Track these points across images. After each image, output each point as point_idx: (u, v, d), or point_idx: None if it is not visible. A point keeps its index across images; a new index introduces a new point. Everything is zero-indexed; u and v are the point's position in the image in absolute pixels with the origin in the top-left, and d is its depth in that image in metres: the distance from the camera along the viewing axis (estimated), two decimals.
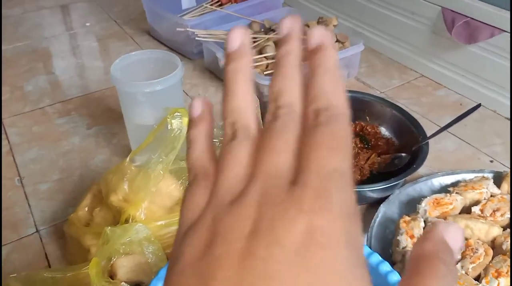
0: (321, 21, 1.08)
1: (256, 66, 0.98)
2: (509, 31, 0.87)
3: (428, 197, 0.68)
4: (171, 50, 1.14)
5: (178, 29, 1.06)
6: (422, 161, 0.72)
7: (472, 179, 0.72)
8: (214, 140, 0.24)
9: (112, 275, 0.56)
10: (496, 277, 0.56)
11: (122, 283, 0.52)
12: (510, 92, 0.91)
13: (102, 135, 0.92)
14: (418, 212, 0.66)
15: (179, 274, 0.18)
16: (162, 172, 0.60)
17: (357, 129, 0.88)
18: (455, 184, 0.73)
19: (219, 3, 1.23)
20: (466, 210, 0.68)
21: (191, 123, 0.24)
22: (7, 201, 0.76)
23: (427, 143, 0.75)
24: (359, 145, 0.85)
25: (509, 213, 0.65)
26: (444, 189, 0.72)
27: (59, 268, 0.63)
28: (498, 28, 0.88)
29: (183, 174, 0.65)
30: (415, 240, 0.61)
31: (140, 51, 0.79)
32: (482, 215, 0.65)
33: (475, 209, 0.66)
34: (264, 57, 1.01)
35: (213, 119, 0.24)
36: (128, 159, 0.63)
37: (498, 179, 0.72)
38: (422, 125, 0.80)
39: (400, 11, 1.09)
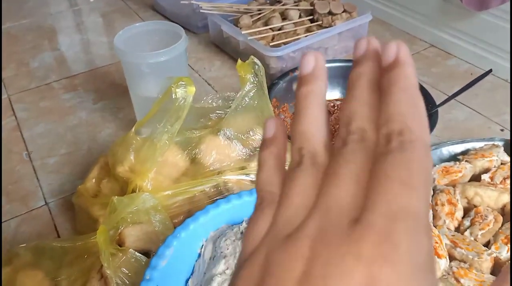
0: None
1: (261, 38, 0.97)
2: None
3: (437, 165, 0.67)
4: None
5: (182, 1, 1.04)
6: (431, 129, 0.70)
7: (482, 147, 0.71)
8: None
9: (120, 244, 0.56)
10: (506, 243, 0.56)
11: (130, 250, 0.52)
12: None
13: (109, 109, 0.91)
14: None
15: None
16: (167, 142, 0.59)
17: None
18: (464, 153, 0.72)
19: None
20: (476, 178, 0.67)
21: (263, 144, 0.23)
22: (16, 175, 0.77)
23: (436, 111, 0.74)
24: None
25: None
26: (454, 158, 0.71)
27: (67, 237, 0.64)
28: None
29: (188, 145, 0.65)
30: None
31: (144, 23, 0.78)
32: (492, 182, 0.64)
33: (485, 177, 0.65)
34: (270, 28, 0.99)
35: (286, 141, 0.23)
36: (133, 129, 0.63)
37: (508, 147, 0.71)
38: (431, 94, 0.78)
39: None
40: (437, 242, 0.54)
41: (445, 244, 0.56)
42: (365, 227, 0.16)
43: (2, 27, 1.23)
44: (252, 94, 0.65)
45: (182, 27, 0.76)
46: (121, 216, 0.54)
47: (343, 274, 0.15)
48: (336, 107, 0.85)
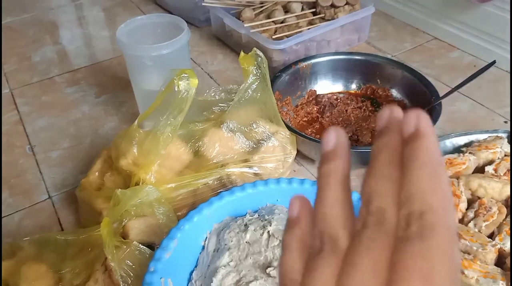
0: None
1: (264, 31, 0.96)
2: None
3: None
4: None
5: None
6: (434, 121, 0.70)
7: (486, 138, 0.71)
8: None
9: (124, 237, 0.56)
10: (510, 235, 0.56)
11: (134, 242, 0.52)
12: None
13: (111, 103, 0.91)
14: None
15: None
16: (170, 135, 0.59)
17: (368, 92, 0.87)
18: (468, 145, 0.71)
19: None
20: (480, 170, 0.67)
21: (287, 224, 0.22)
22: (19, 168, 0.77)
23: (440, 103, 0.74)
24: (370, 108, 0.84)
25: None
26: (457, 150, 0.71)
27: (72, 230, 0.64)
28: None
29: (192, 137, 0.65)
30: None
31: (146, 16, 0.78)
32: (496, 174, 0.64)
33: (489, 168, 0.65)
34: (273, 21, 0.99)
35: (309, 221, 0.22)
36: (136, 122, 0.63)
37: (510, 139, 0.70)
38: (434, 86, 0.78)
39: None
40: None
41: None
42: None
43: (3, 21, 1.23)
44: (255, 86, 0.65)
45: (184, 20, 0.76)
46: (124, 208, 0.54)
47: None
48: (339, 100, 0.85)
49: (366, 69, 0.86)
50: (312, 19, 1.00)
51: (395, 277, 0.16)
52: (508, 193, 0.62)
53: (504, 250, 0.55)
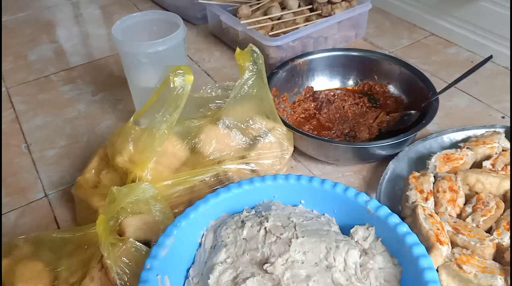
0: None
1: (261, 28, 0.96)
2: None
3: (438, 153, 0.67)
4: None
5: None
6: (432, 116, 0.70)
7: (483, 134, 0.71)
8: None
9: (120, 234, 0.56)
10: (508, 229, 0.55)
11: (130, 239, 0.52)
12: None
13: (107, 101, 0.91)
14: (428, 168, 0.65)
15: None
16: (166, 131, 0.59)
17: (365, 88, 0.86)
18: (465, 140, 0.71)
19: None
20: (477, 165, 0.66)
21: None
22: (15, 167, 0.76)
23: (437, 98, 0.73)
24: (367, 104, 0.83)
25: None
26: (455, 145, 0.71)
27: (68, 228, 0.64)
28: None
29: (188, 134, 0.65)
30: (424, 194, 0.60)
31: (142, 13, 0.77)
32: (493, 169, 0.64)
33: (486, 163, 0.65)
34: (269, 18, 0.98)
35: None
36: (132, 119, 0.62)
37: (510, 134, 0.70)
38: (431, 82, 0.78)
39: None
40: (439, 229, 0.54)
41: (447, 230, 0.55)
42: None
43: None
44: (251, 82, 0.64)
45: (181, 18, 0.75)
46: (120, 205, 0.54)
47: None
48: (336, 97, 0.85)
49: (363, 66, 0.86)
50: (309, 15, 1.00)
51: None
52: (506, 187, 0.61)
53: (502, 245, 0.54)
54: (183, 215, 0.53)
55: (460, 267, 0.52)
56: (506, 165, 0.64)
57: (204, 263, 0.52)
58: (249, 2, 1.04)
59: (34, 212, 0.69)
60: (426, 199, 0.60)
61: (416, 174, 0.64)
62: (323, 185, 0.56)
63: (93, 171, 0.66)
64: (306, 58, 0.85)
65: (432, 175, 0.63)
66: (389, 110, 0.81)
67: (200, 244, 0.55)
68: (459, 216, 0.60)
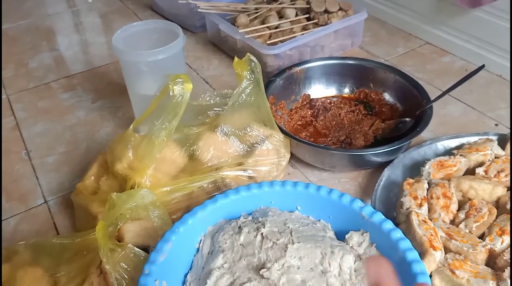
0: None
1: (258, 36, 0.98)
2: None
3: (432, 160, 0.68)
4: None
5: (180, 1, 1.05)
6: (426, 124, 0.71)
7: (477, 141, 0.72)
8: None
9: (119, 240, 0.57)
10: (500, 235, 0.56)
11: (129, 245, 0.53)
12: None
13: (107, 109, 0.92)
14: (422, 174, 0.66)
15: None
16: (165, 139, 0.60)
17: (361, 96, 0.88)
18: (459, 147, 0.73)
19: None
20: (470, 172, 0.68)
21: None
22: (15, 174, 0.77)
23: (431, 106, 0.75)
24: (363, 112, 0.85)
25: None
26: (449, 152, 0.72)
27: (67, 234, 0.65)
28: None
29: (186, 141, 0.66)
30: (418, 201, 0.61)
31: (142, 22, 0.79)
32: (486, 176, 0.65)
33: (479, 170, 0.66)
34: (267, 27, 1.00)
35: None
36: (131, 127, 0.63)
37: (502, 141, 0.71)
38: (426, 90, 0.79)
39: None
40: (432, 235, 0.55)
41: (440, 236, 0.56)
42: None
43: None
44: (248, 91, 0.66)
45: (180, 26, 0.77)
46: (120, 212, 0.55)
47: None
48: (332, 104, 0.86)
49: (359, 74, 0.87)
50: (306, 24, 1.02)
51: None
52: (499, 194, 0.62)
53: (495, 250, 0.55)
54: (181, 221, 0.54)
55: (453, 272, 0.53)
56: (498, 172, 0.65)
57: (202, 268, 0.53)
58: (247, 11, 1.05)
59: (33, 218, 0.70)
60: (420, 205, 0.61)
61: (411, 180, 0.65)
62: (319, 191, 0.57)
63: (92, 177, 0.67)
64: (303, 67, 0.86)
65: (426, 181, 0.64)
66: (384, 117, 0.83)
67: (197, 250, 0.55)
68: (452, 222, 0.61)
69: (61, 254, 0.58)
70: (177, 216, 0.62)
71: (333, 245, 0.52)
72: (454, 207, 0.62)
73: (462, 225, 0.59)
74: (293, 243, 0.51)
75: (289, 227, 0.54)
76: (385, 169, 0.69)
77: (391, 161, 0.70)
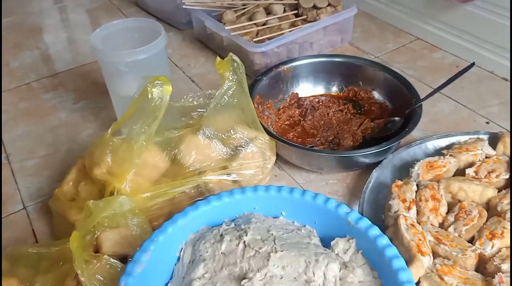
0: None
1: (245, 33, 0.95)
2: None
3: (421, 160, 0.66)
4: (160, 21, 1.10)
5: None
6: (415, 124, 0.69)
7: (467, 140, 0.70)
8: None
9: (97, 249, 0.55)
10: (490, 239, 0.55)
11: (105, 256, 0.51)
12: (510, 51, 0.88)
13: (90, 109, 0.90)
14: (411, 176, 0.65)
15: None
16: (145, 143, 0.58)
17: (350, 95, 0.86)
18: (449, 147, 0.71)
19: None
20: (461, 173, 0.66)
21: None
22: None
23: (421, 105, 0.73)
24: (352, 111, 0.83)
25: (504, 174, 0.63)
26: (439, 152, 0.70)
27: (44, 243, 0.63)
28: None
29: (168, 145, 0.64)
30: (407, 204, 0.60)
31: (122, 20, 0.76)
32: (476, 177, 0.64)
33: (469, 171, 0.64)
34: (254, 24, 0.98)
35: None
36: (110, 130, 0.61)
37: (493, 140, 0.70)
38: (416, 89, 0.77)
39: None
40: (420, 239, 0.53)
41: (429, 240, 0.54)
42: None
43: None
44: (231, 92, 0.63)
45: (167, 23, 0.74)
46: (96, 220, 0.53)
47: None
48: (320, 103, 0.84)
49: (348, 72, 0.85)
50: (294, 21, 0.99)
51: None
52: (489, 195, 0.61)
53: (484, 255, 0.54)
54: (160, 230, 0.52)
55: (442, 278, 0.51)
56: (489, 172, 0.64)
57: (182, 278, 0.51)
58: (234, 7, 1.03)
59: (12, 225, 0.68)
60: (409, 208, 0.59)
61: (399, 182, 0.63)
62: (303, 196, 0.55)
63: (71, 183, 0.65)
64: (290, 65, 0.84)
65: (415, 183, 0.63)
66: (373, 116, 0.81)
67: (178, 258, 0.54)
68: (441, 225, 0.59)
69: (37, 264, 0.56)
70: (159, 223, 0.60)
71: (317, 253, 0.50)
72: (443, 209, 0.60)
73: (451, 228, 0.57)
74: (276, 252, 0.49)
75: (272, 234, 0.52)
76: (374, 170, 0.67)
77: (380, 162, 0.69)
